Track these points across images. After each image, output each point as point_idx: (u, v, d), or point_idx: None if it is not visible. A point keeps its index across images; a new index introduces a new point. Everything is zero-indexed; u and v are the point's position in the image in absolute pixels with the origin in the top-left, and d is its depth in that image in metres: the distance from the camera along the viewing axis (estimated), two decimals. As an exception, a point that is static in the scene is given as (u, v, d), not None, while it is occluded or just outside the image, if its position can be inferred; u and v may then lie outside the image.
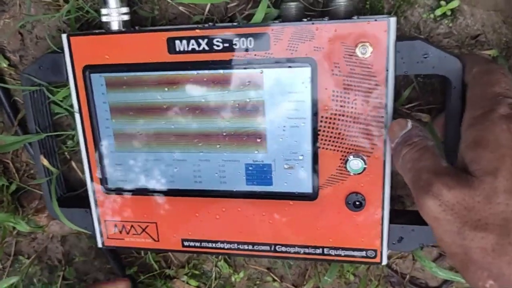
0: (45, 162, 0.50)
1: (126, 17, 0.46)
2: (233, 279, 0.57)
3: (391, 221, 0.45)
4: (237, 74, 0.43)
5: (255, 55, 0.42)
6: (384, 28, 0.39)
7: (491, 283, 0.31)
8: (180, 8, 0.48)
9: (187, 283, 0.58)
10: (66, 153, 0.56)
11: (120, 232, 0.51)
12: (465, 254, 0.32)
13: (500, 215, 0.30)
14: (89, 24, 0.51)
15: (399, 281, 0.55)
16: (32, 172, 0.58)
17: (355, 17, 0.41)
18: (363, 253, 0.46)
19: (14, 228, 0.57)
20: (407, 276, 0.54)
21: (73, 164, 0.56)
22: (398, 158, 0.37)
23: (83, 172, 0.56)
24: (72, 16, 0.49)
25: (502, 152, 0.31)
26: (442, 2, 0.43)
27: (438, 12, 0.43)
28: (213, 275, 0.58)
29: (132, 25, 0.47)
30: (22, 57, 0.54)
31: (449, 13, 0.43)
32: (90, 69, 0.46)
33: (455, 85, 0.40)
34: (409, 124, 0.38)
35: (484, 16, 0.43)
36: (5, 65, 0.53)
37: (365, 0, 0.45)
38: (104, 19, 0.46)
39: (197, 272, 0.58)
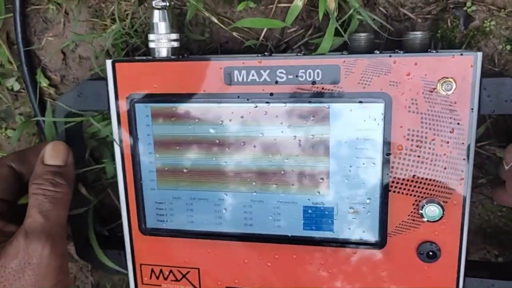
0: (83, 190, 0.46)
1: (175, 44, 0.43)
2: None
3: (466, 274, 0.40)
4: (301, 108, 0.40)
5: (322, 88, 0.39)
6: (470, 64, 0.36)
7: None
8: (234, 33, 0.45)
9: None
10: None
11: (157, 278, 0.47)
12: None
13: None
14: (136, 48, 0.47)
15: None
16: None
17: (432, 51, 0.38)
18: (434, 309, 0.41)
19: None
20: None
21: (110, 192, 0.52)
22: None
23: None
24: (118, 42, 0.46)
25: None
26: (521, 34, 0.41)
27: None
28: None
29: (182, 50, 0.44)
30: (63, 77, 0.51)
31: (528, 45, 0.41)
32: (135, 98, 0.43)
33: (547, 127, 0.36)
34: None
35: None
36: (45, 84, 0.51)
37: (436, 30, 0.42)
38: (152, 45, 0.42)
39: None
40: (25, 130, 0.54)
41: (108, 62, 0.42)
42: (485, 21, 0.42)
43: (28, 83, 0.50)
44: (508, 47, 0.42)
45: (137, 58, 0.44)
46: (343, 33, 0.38)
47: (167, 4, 0.42)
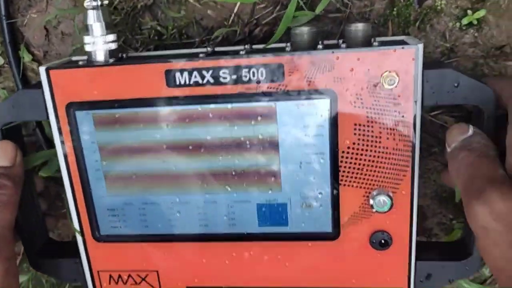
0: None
1: (113, 46, 0.41)
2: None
3: (417, 257, 0.42)
4: (247, 108, 0.39)
5: (267, 87, 0.38)
6: (412, 56, 0.36)
7: None
8: (208, 11, 0.46)
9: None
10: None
11: (116, 283, 0.46)
12: None
13: None
14: (116, 25, 0.46)
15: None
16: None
17: (375, 43, 0.37)
18: (389, 293, 0.43)
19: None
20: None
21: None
22: (454, 163, 0.35)
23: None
24: None
25: None
26: (469, 11, 0.42)
27: (465, 21, 0.42)
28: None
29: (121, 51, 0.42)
30: (46, 53, 0.50)
31: (475, 22, 0.42)
32: (75, 106, 0.41)
33: (488, 115, 0.37)
34: (471, 130, 0.36)
35: (509, 28, 0.42)
36: (28, 60, 0.49)
37: (393, 8, 0.43)
38: (88, 48, 0.40)
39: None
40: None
41: (42, 69, 0.40)
42: (437, 0, 0.43)
43: (11, 58, 0.49)
44: (458, 24, 0.43)
45: (73, 62, 0.42)
46: (304, 8, 0.38)
47: (99, 3, 0.40)
